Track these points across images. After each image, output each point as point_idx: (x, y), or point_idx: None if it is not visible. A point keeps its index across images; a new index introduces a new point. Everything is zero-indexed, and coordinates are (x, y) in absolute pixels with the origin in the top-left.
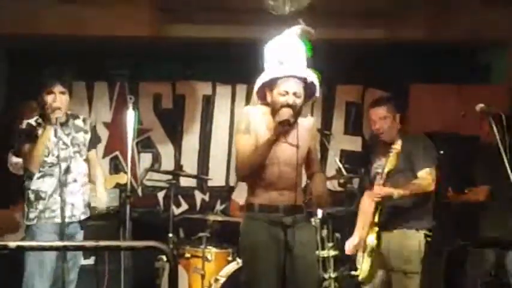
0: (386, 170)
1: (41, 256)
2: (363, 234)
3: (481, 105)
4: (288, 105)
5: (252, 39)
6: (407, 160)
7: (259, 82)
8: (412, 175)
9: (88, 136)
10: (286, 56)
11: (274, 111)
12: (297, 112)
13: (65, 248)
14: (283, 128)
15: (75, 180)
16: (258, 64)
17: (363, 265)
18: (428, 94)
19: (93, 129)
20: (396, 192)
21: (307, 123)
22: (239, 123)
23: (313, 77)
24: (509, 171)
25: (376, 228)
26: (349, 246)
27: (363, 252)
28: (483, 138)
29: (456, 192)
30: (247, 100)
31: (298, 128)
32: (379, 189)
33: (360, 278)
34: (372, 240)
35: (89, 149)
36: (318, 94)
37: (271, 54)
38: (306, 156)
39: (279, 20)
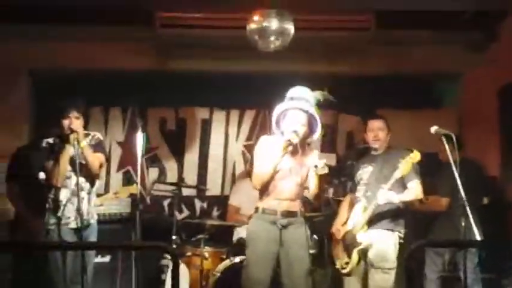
0: (397, 177)
1: (58, 257)
2: (340, 228)
3: (435, 127)
4: (294, 131)
5: (243, 71)
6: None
7: (274, 113)
8: (401, 184)
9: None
10: (296, 95)
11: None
12: (302, 138)
13: (85, 247)
14: (287, 146)
15: (82, 189)
16: (248, 92)
17: (352, 259)
18: (392, 118)
19: (99, 141)
20: (398, 199)
21: (312, 154)
22: (257, 147)
23: (314, 112)
24: (458, 183)
25: (366, 227)
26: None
27: (349, 247)
28: (441, 156)
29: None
30: (240, 123)
31: (305, 153)
32: (386, 195)
33: (346, 271)
34: (362, 237)
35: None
36: (318, 130)
37: (288, 94)
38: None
39: (264, 55)
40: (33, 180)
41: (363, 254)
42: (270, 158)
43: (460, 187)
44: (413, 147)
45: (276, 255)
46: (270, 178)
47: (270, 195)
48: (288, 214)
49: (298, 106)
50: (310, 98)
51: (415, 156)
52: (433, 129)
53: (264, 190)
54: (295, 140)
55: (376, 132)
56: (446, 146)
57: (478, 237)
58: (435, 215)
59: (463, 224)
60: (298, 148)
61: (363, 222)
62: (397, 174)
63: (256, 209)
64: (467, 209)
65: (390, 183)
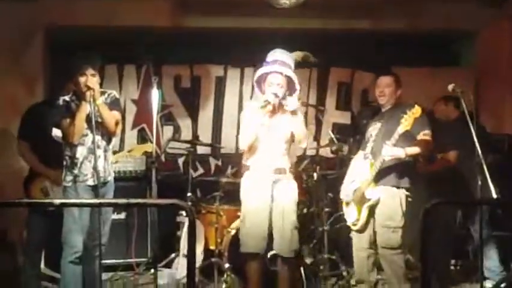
0: (401, 132)
1: (75, 214)
2: (351, 186)
3: (453, 85)
4: (273, 93)
5: (258, 28)
6: None
7: (255, 77)
8: (409, 138)
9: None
10: (275, 58)
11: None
12: (281, 98)
13: (101, 205)
14: (266, 106)
15: (98, 147)
16: (262, 50)
17: (361, 216)
18: (407, 76)
19: (115, 99)
20: (404, 153)
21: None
22: (243, 112)
23: (291, 74)
24: (474, 137)
25: (373, 184)
26: (347, 193)
27: (359, 204)
28: (437, 115)
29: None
30: None
31: (285, 111)
32: (391, 151)
33: (357, 228)
34: (370, 194)
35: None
36: (297, 89)
37: (267, 58)
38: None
39: (280, 12)
40: (47, 137)
41: (372, 210)
42: (254, 121)
43: (476, 143)
44: (428, 104)
45: (269, 210)
46: (255, 138)
47: (258, 154)
48: (277, 171)
49: (276, 70)
50: (288, 60)
51: (416, 110)
52: (451, 86)
53: (251, 149)
54: (274, 100)
55: (382, 88)
56: (463, 103)
57: (494, 195)
58: (445, 173)
59: (479, 182)
60: (277, 108)
61: (370, 178)
62: (400, 130)
63: (247, 167)
64: (484, 166)
65: (394, 138)
